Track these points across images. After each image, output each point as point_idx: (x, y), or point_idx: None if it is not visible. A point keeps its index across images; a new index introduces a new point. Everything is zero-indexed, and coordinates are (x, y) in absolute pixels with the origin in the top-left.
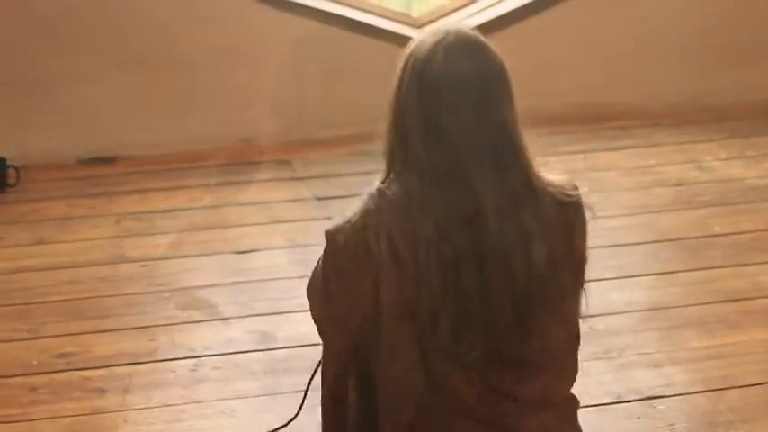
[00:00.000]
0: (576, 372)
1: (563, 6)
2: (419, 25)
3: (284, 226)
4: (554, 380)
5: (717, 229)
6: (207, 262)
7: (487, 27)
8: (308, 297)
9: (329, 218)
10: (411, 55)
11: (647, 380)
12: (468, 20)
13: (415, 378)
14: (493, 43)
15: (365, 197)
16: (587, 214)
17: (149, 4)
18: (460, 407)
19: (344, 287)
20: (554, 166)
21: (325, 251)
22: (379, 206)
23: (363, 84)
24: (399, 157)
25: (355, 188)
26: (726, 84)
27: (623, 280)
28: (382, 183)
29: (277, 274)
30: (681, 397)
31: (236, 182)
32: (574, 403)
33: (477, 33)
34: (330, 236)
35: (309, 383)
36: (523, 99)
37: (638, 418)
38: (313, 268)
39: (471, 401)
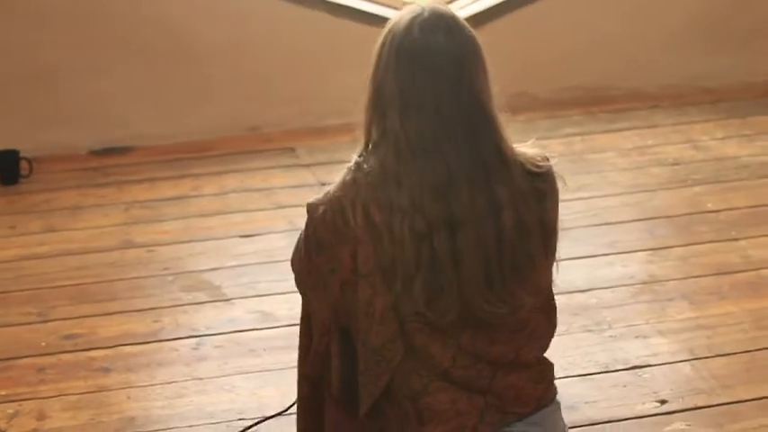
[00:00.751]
0: (549, 337)
1: None
2: None
3: (287, 211)
4: (525, 342)
5: (710, 206)
6: (211, 246)
7: (485, 16)
8: (292, 268)
9: None
10: (389, 32)
11: (633, 350)
12: (469, 7)
13: (395, 349)
14: (488, 31)
15: (344, 170)
16: (559, 184)
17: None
18: (436, 370)
19: (325, 257)
20: (552, 149)
21: (306, 223)
22: (356, 179)
23: (366, 73)
24: (377, 130)
25: None
26: (723, 66)
27: (617, 256)
28: (359, 156)
29: (279, 256)
30: (666, 366)
31: (241, 169)
32: (546, 366)
33: (451, 10)
34: (311, 208)
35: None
36: (518, 85)
37: (624, 386)
38: (296, 240)
39: (447, 364)
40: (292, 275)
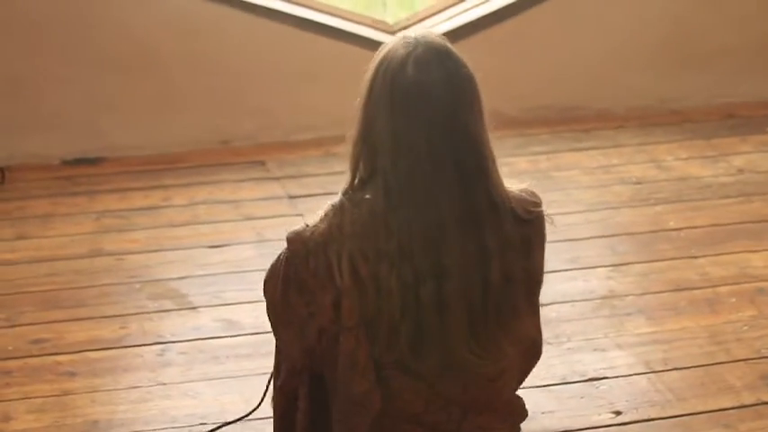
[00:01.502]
0: (522, 380)
1: (529, 14)
2: (393, 31)
3: (255, 222)
4: (502, 388)
5: (671, 224)
6: (179, 256)
7: (456, 33)
8: (264, 294)
9: (300, 215)
10: (382, 63)
11: (591, 363)
12: (439, 26)
13: (375, 398)
14: (461, 49)
15: (329, 209)
16: (547, 227)
17: (132, 11)
18: (408, 413)
19: (304, 300)
20: (518, 166)
21: (286, 260)
22: (342, 226)
23: (337, 87)
24: (365, 167)
25: (328, 187)
26: (690, 87)
27: (578, 271)
28: (345, 192)
29: (246, 266)
30: (622, 378)
31: (211, 181)
32: (515, 403)
33: (446, 42)
34: (293, 245)
35: (272, 375)
36: (489, 103)
37: (581, 397)
38: (271, 266)
39: (419, 410)
40: (258, 285)
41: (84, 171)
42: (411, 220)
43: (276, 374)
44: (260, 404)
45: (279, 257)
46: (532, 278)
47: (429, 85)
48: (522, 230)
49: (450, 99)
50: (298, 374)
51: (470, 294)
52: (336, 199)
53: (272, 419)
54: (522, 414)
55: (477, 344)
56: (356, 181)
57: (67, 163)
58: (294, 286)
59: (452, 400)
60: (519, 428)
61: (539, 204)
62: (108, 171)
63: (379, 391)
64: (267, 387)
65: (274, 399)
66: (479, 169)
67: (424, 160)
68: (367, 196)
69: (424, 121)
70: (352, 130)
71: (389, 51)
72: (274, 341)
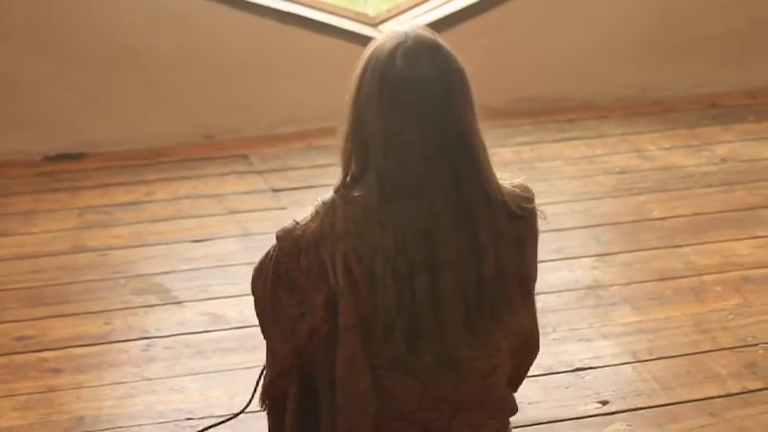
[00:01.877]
0: (521, 377)
1: (511, 5)
2: (374, 23)
3: (239, 216)
4: (494, 385)
5: (655, 214)
6: (163, 250)
7: (439, 24)
8: (252, 291)
9: (284, 208)
10: (371, 58)
11: (577, 353)
12: (421, 17)
13: (372, 397)
14: (444, 40)
15: (320, 207)
16: (539, 223)
17: (113, 7)
18: (400, 411)
19: (296, 299)
20: (503, 157)
21: (277, 259)
22: (334, 223)
23: (319, 81)
24: (357, 164)
25: (311, 180)
26: (672, 78)
27: (563, 261)
28: (337, 189)
29: (230, 260)
30: (608, 368)
31: (194, 176)
32: (505, 399)
33: (435, 36)
34: (283, 243)
35: (262, 373)
36: (478, 95)
37: (567, 387)
38: (259, 263)
39: (412, 408)
40: (243, 279)
41: (66, 167)
42: (405, 215)
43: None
44: (250, 402)
45: (268, 254)
46: (526, 273)
47: (419, 78)
48: (515, 226)
49: (441, 92)
50: (287, 374)
51: (464, 288)
52: (328, 196)
53: (259, 414)
54: (513, 409)
55: (471, 337)
56: (348, 178)
57: (49, 159)
58: (284, 285)
59: (444, 399)
60: (508, 422)
61: (531, 200)
62: (90, 166)
63: (375, 389)
64: (257, 384)
65: (262, 397)
66: (472, 163)
67: (416, 155)
68: (358, 193)
69: (416, 116)
70: (342, 127)
71: (379, 46)
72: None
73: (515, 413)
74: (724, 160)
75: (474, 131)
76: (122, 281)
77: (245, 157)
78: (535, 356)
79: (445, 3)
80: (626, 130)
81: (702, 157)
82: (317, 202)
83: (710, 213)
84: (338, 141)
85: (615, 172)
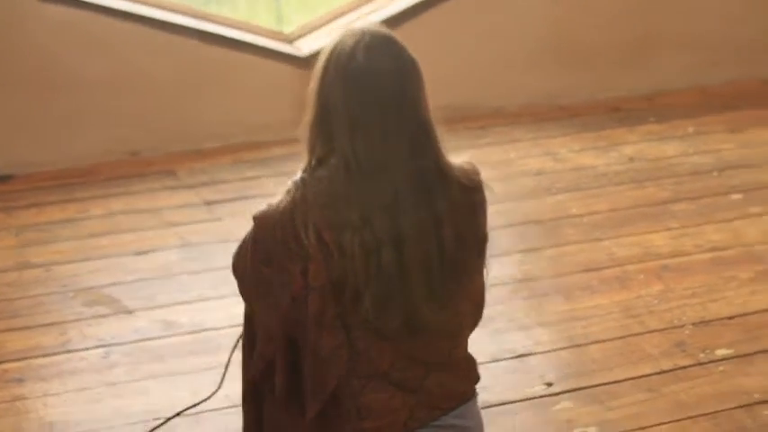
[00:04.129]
0: (471, 330)
1: (420, 19)
2: (290, 40)
3: (177, 228)
4: (458, 342)
5: (574, 211)
6: (107, 263)
7: None
8: (234, 275)
9: (219, 219)
10: (332, 53)
11: (518, 341)
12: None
13: (342, 355)
14: None
15: (291, 186)
16: (487, 194)
17: (37, 31)
18: (375, 372)
19: (275, 270)
20: None
21: (254, 237)
22: (305, 196)
23: (242, 96)
24: (322, 148)
25: (243, 191)
26: (573, 85)
27: (493, 258)
28: (304, 171)
29: (174, 270)
30: (550, 353)
31: (126, 192)
32: (471, 363)
33: (388, 30)
34: (259, 221)
35: (229, 359)
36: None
37: (513, 372)
38: (237, 248)
39: (386, 368)
40: (189, 287)
41: None
42: (369, 191)
43: (248, 345)
44: (218, 389)
45: (245, 239)
46: (481, 236)
47: (379, 69)
48: (467, 195)
49: (399, 80)
50: (274, 340)
51: (427, 257)
52: (297, 176)
53: (225, 410)
54: (477, 376)
55: (436, 302)
56: (314, 161)
57: None
58: (263, 259)
59: (415, 358)
60: (475, 392)
61: (478, 173)
62: (20, 187)
63: (346, 350)
64: (225, 371)
65: (252, 366)
66: (428, 142)
67: (378, 137)
68: (325, 173)
69: (377, 102)
70: (306, 117)
71: (339, 43)
72: (243, 314)
73: (479, 381)
74: (632, 159)
75: (428, 114)
76: (71, 294)
77: (173, 172)
78: (476, 325)
79: (357, 19)
80: (537, 135)
81: (611, 157)
82: (288, 183)
83: (625, 209)
84: (302, 129)
85: (532, 174)
